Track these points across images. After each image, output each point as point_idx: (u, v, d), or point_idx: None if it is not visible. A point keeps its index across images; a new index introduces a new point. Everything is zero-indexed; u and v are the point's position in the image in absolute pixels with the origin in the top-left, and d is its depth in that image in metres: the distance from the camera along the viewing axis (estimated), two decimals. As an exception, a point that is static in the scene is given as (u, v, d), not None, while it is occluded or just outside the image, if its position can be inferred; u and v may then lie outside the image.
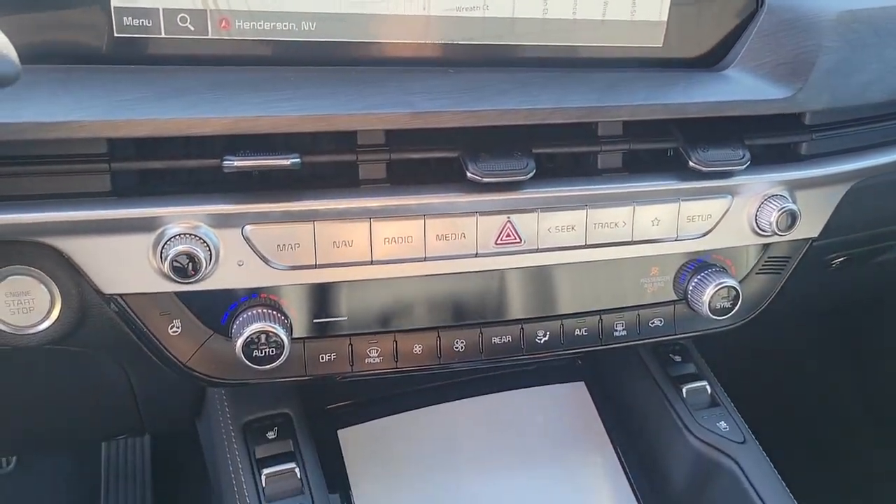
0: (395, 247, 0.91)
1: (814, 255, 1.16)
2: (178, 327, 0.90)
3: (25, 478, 1.87)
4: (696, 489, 1.15)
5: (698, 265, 1.05)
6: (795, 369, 1.99)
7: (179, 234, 0.83)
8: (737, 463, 1.11)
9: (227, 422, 1.06)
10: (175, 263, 0.82)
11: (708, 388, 1.20)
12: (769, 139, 1.01)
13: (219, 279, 0.88)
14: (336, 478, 1.13)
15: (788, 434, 1.31)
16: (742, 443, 1.13)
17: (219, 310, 0.90)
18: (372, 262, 0.91)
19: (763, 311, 1.12)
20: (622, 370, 1.27)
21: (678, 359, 1.23)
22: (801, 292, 1.29)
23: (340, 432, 1.18)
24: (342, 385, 1.22)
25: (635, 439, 1.25)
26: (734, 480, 1.10)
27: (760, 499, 1.07)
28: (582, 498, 1.18)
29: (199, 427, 1.24)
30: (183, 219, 0.83)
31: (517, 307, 1.01)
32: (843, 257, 1.32)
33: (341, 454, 1.16)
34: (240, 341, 0.87)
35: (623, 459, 1.23)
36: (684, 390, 1.19)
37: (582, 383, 1.30)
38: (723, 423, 1.16)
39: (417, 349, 0.98)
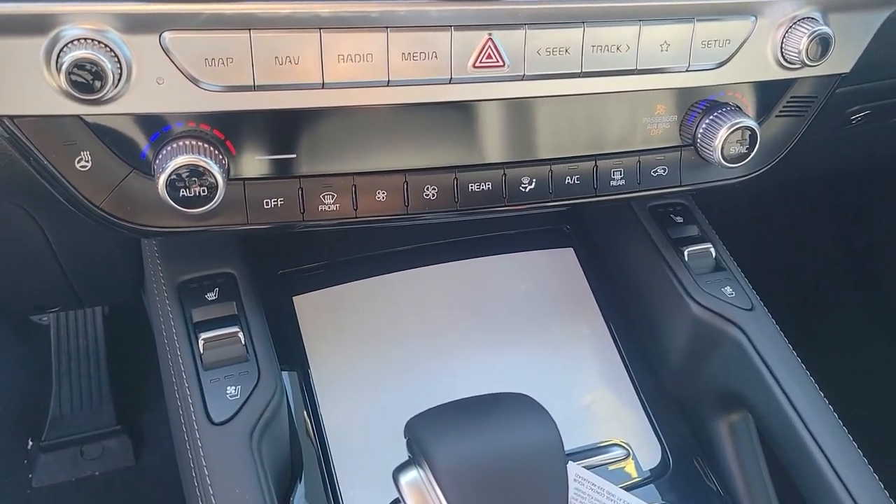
0: (351, 66, 0.75)
1: (836, 104, 1.02)
2: (87, 161, 0.74)
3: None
4: (695, 362, 1.03)
5: (710, 103, 0.90)
6: (796, 239, 1.88)
7: (79, 39, 0.67)
8: (743, 332, 0.98)
9: (160, 283, 0.91)
10: (74, 76, 0.67)
11: (712, 250, 1.06)
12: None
13: (134, 101, 0.72)
14: (290, 350, 1.00)
15: (790, 307, 1.18)
16: (750, 310, 1.01)
17: (138, 141, 0.75)
18: (323, 86, 0.76)
19: (773, 166, 0.98)
20: (616, 233, 1.13)
21: (679, 220, 1.09)
22: (814, 151, 1.15)
23: (296, 299, 1.04)
24: (297, 247, 1.08)
25: (629, 309, 1.12)
26: (740, 351, 0.98)
27: (770, 371, 0.95)
28: (568, 373, 1.06)
29: (144, 297, 1.10)
30: (84, 18, 0.68)
31: (498, 148, 0.86)
32: (867, 111, 1.18)
33: (297, 323, 1.02)
34: (163, 178, 0.73)
35: (615, 332, 1.10)
36: (686, 253, 1.05)
37: (570, 249, 1.16)
38: (728, 288, 1.03)
39: (381, 196, 0.84)
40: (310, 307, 1.04)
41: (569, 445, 0.79)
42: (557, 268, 1.14)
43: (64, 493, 1.76)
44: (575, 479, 0.89)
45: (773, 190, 1.78)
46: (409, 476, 0.72)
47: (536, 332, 1.08)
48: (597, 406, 1.05)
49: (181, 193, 0.74)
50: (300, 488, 0.93)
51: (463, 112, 0.83)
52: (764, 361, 0.96)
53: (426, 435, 0.72)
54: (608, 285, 1.14)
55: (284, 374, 0.97)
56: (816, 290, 1.97)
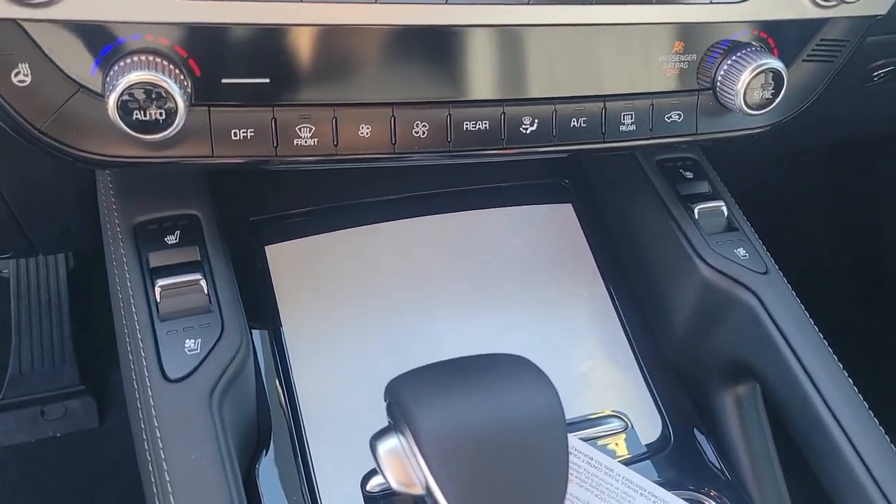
0: (334, -23, 0.65)
1: (861, 57, 0.94)
2: (26, 76, 0.64)
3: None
4: (702, 329, 0.95)
5: (733, 43, 0.81)
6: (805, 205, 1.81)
7: (14, -74, 0.57)
8: (757, 296, 0.90)
9: (114, 224, 0.82)
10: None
11: (724, 209, 0.97)
12: None
13: (81, 5, 0.63)
14: (260, 305, 0.90)
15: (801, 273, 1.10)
16: (764, 273, 0.92)
17: (86, 54, 0.65)
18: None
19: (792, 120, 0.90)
20: (620, 188, 1.04)
21: (689, 175, 1.00)
22: (831, 109, 1.06)
23: (269, 249, 0.94)
24: (271, 192, 0.98)
25: (631, 271, 1.03)
26: (752, 318, 0.90)
27: (785, 339, 0.87)
28: (562, 338, 0.98)
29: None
30: None
31: (498, 83, 0.77)
32: (891, 66, 1.10)
33: (268, 276, 0.93)
34: (113, 97, 0.63)
35: (614, 295, 1.01)
36: (696, 211, 0.96)
37: (569, 205, 1.07)
38: (741, 249, 0.94)
39: (364, 131, 0.74)
40: (283, 258, 0.94)
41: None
42: (555, 224, 1.05)
43: (24, 453, 1.68)
44: (571, 452, 0.81)
45: (777, 158, 1.70)
46: (389, 444, 0.63)
47: (530, 292, 0.99)
48: (593, 374, 0.97)
49: (135, 117, 0.64)
50: (267, 456, 0.85)
51: (460, 39, 0.73)
52: (779, 329, 0.88)
53: (409, 397, 0.64)
54: (609, 245, 1.06)
55: (254, 332, 0.88)
56: (815, 264, 1.91)
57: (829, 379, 0.86)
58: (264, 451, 0.85)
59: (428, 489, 0.60)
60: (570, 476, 0.80)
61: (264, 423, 0.86)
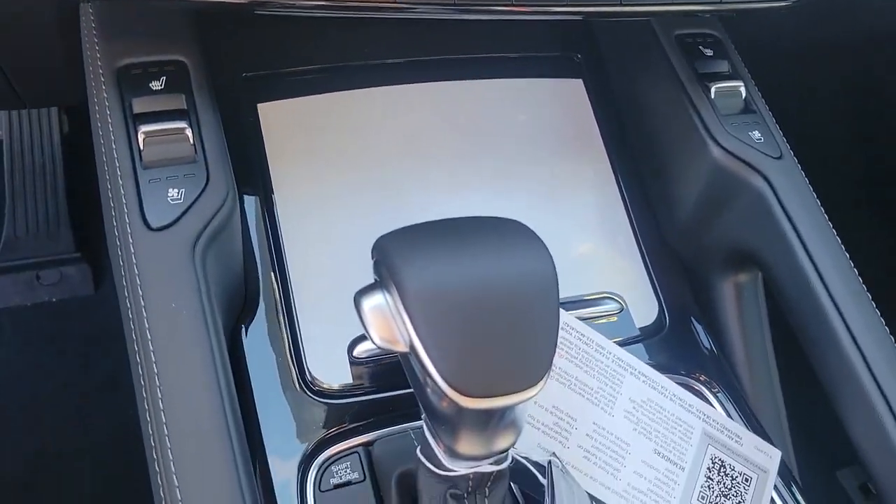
0: None
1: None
2: None
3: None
4: (708, 213, 0.91)
5: None
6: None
7: None
8: (769, 182, 0.86)
9: (96, 67, 0.77)
10: None
11: (743, 89, 0.92)
12: None
13: None
14: (250, 163, 0.87)
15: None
16: (778, 158, 0.88)
17: None
18: None
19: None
20: (634, 64, 0.98)
21: (709, 52, 0.95)
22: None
23: (261, 107, 0.90)
24: (267, 47, 0.93)
25: (641, 152, 0.99)
26: (761, 203, 0.86)
27: (793, 226, 0.83)
28: (563, 215, 0.94)
29: None
30: None
31: (511, -71, 0.71)
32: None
33: (260, 136, 0.89)
34: None
35: (619, 175, 0.97)
36: (713, 90, 0.91)
37: (579, 81, 1.02)
38: (756, 132, 0.90)
39: (365, -26, 0.69)
40: (276, 118, 0.90)
41: (558, 293, 0.68)
42: (563, 99, 1.00)
43: (19, 316, 1.68)
44: (562, 328, 0.79)
45: (801, 54, 1.62)
46: (374, 300, 0.60)
47: (532, 168, 0.95)
48: (591, 255, 0.94)
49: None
50: (252, 319, 0.83)
51: None
52: (788, 216, 0.84)
53: (397, 254, 0.60)
54: (617, 124, 1.01)
55: (243, 192, 0.85)
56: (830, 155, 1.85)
57: (836, 270, 0.83)
58: (251, 315, 0.83)
59: (411, 346, 0.57)
60: (559, 350, 0.79)
61: (252, 286, 0.84)
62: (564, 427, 0.77)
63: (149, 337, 0.66)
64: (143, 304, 0.67)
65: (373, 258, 0.65)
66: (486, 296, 0.58)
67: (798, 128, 1.03)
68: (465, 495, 0.65)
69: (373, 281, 0.63)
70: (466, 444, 0.60)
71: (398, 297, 0.59)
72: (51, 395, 1.57)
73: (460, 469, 0.63)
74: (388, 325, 0.59)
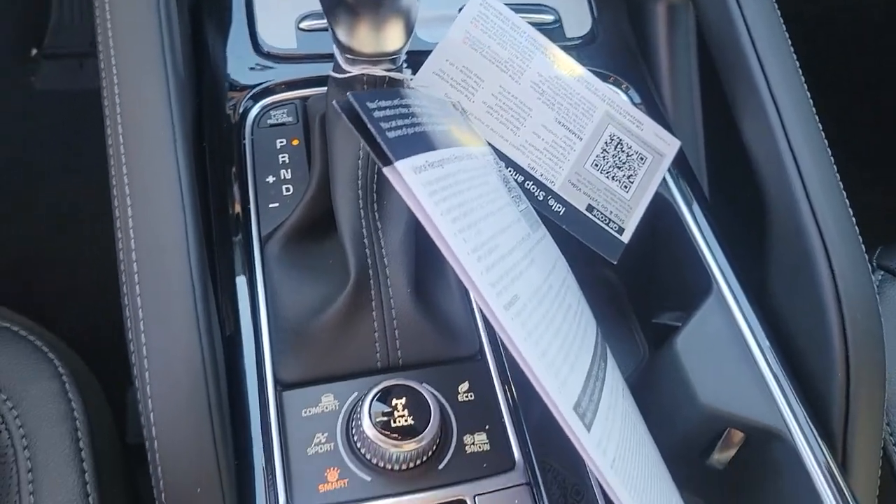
0: None
1: None
2: None
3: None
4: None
5: None
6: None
7: None
8: None
9: None
10: None
11: None
12: None
13: None
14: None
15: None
16: None
17: None
18: None
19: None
20: None
21: None
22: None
23: None
24: None
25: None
26: None
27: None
28: None
29: None
30: None
31: None
32: None
33: None
34: None
35: None
36: None
37: None
38: None
39: None
40: None
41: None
42: None
43: (63, 100, 1.82)
44: (481, 4, 0.87)
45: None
46: None
47: None
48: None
49: None
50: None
51: None
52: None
53: None
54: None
55: None
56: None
57: (763, 19, 0.87)
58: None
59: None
60: (474, 23, 0.87)
61: None
62: (472, 84, 0.86)
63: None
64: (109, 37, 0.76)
65: None
66: None
67: None
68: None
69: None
70: (358, 40, 0.70)
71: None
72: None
73: (354, 70, 0.74)
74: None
